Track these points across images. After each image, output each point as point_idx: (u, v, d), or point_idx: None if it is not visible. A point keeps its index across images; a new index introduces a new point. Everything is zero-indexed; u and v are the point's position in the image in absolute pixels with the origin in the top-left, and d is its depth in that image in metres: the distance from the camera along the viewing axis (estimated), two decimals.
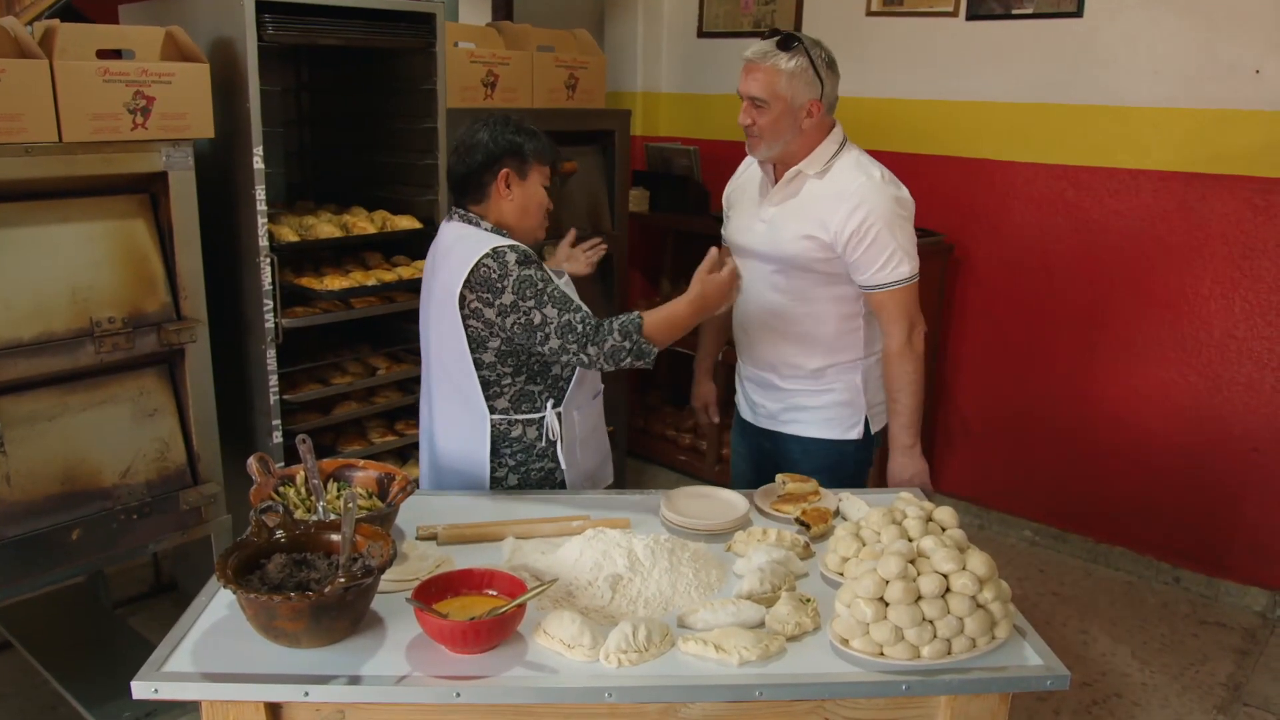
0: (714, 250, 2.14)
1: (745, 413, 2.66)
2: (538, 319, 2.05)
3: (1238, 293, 3.43)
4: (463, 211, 2.19)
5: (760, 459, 2.62)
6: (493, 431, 2.18)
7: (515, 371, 2.14)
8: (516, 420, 2.19)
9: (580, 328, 2.04)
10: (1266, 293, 3.37)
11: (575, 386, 2.22)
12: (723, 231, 2.64)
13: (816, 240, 2.30)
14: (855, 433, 2.48)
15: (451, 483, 2.26)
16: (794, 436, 2.51)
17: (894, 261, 2.28)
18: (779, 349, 2.47)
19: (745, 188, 2.54)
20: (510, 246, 2.07)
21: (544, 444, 2.21)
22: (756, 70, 2.28)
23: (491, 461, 2.20)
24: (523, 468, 2.22)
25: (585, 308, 2.10)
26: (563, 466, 2.23)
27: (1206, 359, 3.53)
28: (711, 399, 2.85)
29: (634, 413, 4.76)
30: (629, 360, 2.07)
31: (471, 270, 2.05)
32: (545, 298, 2.05)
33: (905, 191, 2.35)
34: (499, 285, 2.04)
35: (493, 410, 2.17)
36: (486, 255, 2.05)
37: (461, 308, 2.08)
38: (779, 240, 2.37)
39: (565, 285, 2.22)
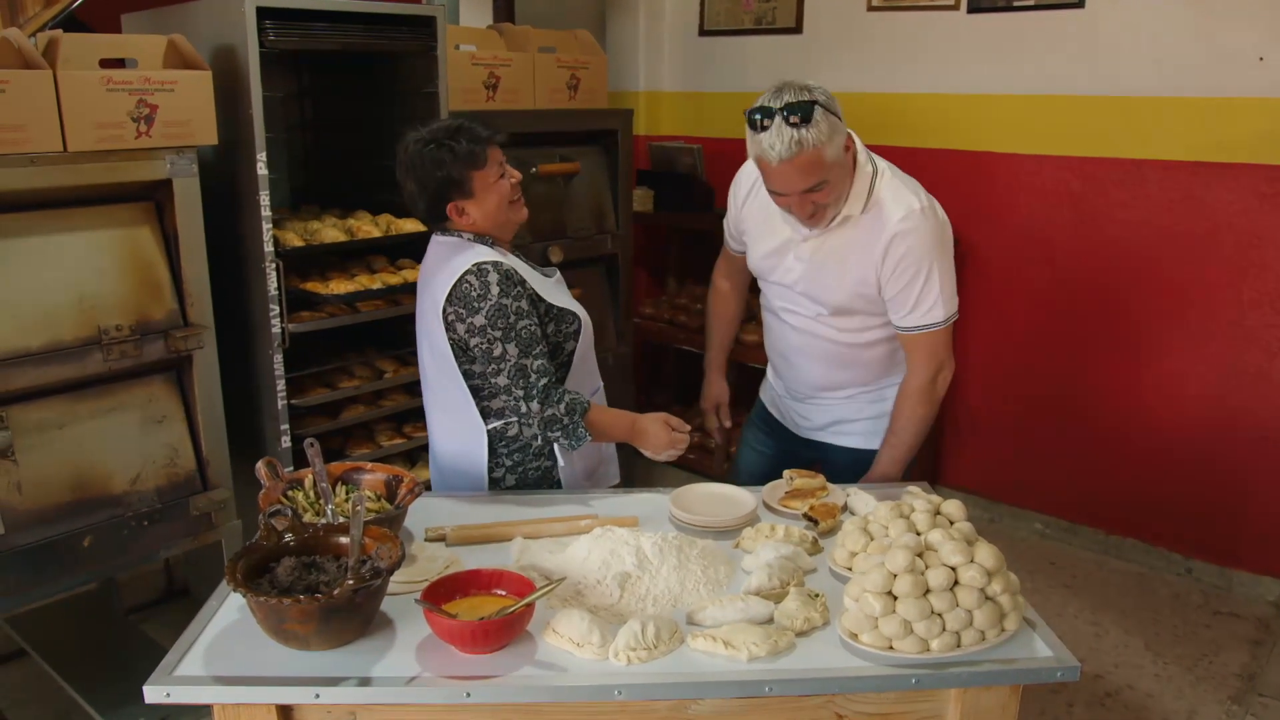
0: (683, 430, 2.20)
1: (788, 423, 2.56)
2: (498, 351, 2.06)
3: (1245, 281, 3.42)
4: (444, 228, 2.19)
5: (791, 463, 2.43)
6: (489, 434, 2.19)
7: None
8: (511, 421, 2.19)
9: (533, 378, 2.07)
10: (1274, 281, 3.36)
11: (570, 382, 2.22)
12: (732, 247, 2.53)
13: (868, 284, 2.18)
14: None
15: (456, 484, 2.27)
16: (843, 448, 2.44)
17: (927, 303, 2.16)
18: (828, 375, 2.38)
19: (766, 214, 2.29)
20: (494, 265, 2.06)
21: (540, 442, 2.21)
22: (793, 163, 1.99)
23: (489, 462, 2.20)
24: (520, 467, 2.22)
25: (546, 360, 2.09)
26: (560, 464, 2.23)
27: (1215, 348, 3.52)
28: (724, 399, 2.66)
29: (641, 411, 4.76)
30: (557, 434, 2.11)
31: (454, 285, 2.06)
32: (513, 333, 2.06)
33: (944, 213, 2.20)
34: (476, 305, 2.05)
35: (486, 414, 2.18)
36: (470, 271, 2.05)
37: (442, 320, 2.09)
38: (823, 286, 2.23)
39: (556, 284, 2.23)
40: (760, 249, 2.35)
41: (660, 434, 2.19)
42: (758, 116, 2.00)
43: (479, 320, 2.05)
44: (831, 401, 2.43)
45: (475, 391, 2.16)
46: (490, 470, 2.21)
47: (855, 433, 2.43)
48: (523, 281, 2.10)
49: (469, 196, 2.10)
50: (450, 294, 2.06)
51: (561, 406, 2.09)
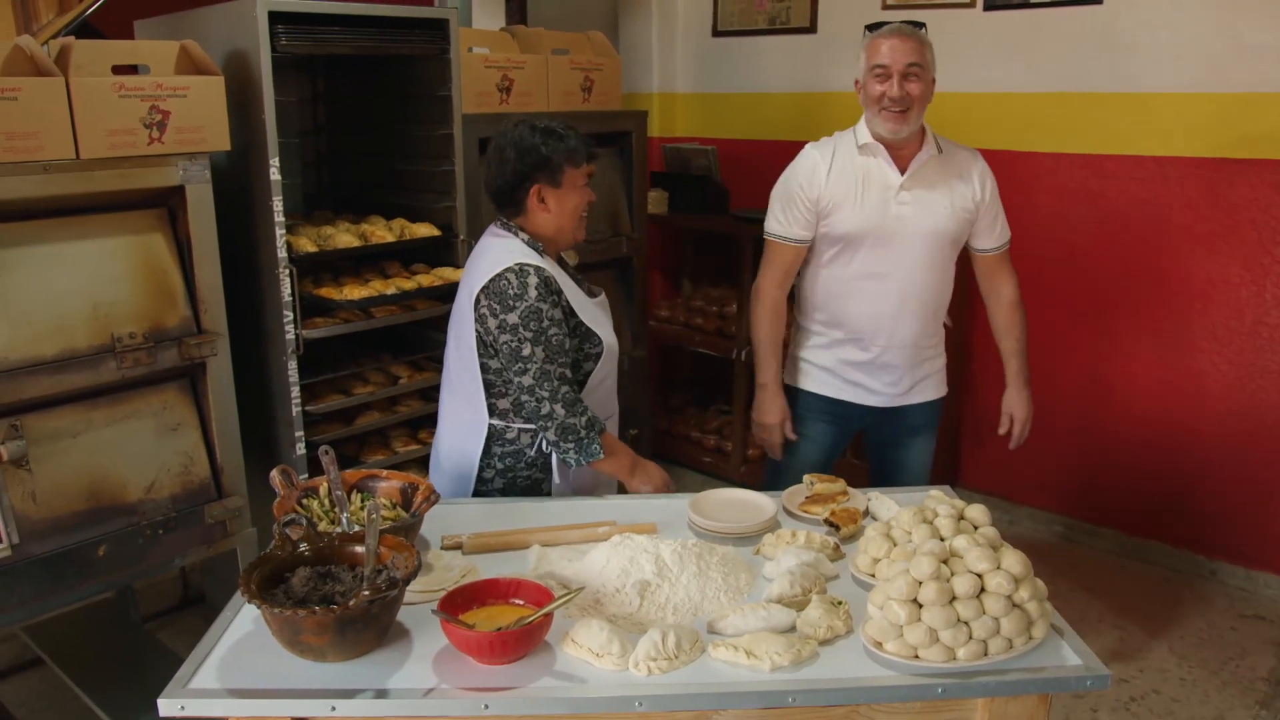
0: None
1: (862, 399, 2.63)
2: (526, 351, 2.06)
3: (1269, 279, 3.37)
4: (504, 221, 2.20)
5: (840, 442, 2.71)
6: (488, 431, 2.19)
7: None
8: (514, 425, 2.19)
9: (556, 383, 2.07)
10: None
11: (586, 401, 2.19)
12: (797, 237, 2.53)
13: (970, 209, 2.53)
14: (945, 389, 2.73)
15: (442, 478, 2.28)
16: (921, 404, 2.66)
17: (1004, 220, 2.61)
18: (926, 324, 2.58)
19: (846, 181, 2.46)
20: (536, 269, 2.07)
21: (534, 454, 2.20)
22: (908, 40, 2.37)
23: (481, 460, 2.20)
24: (510, 472, 2.21)
25: (569, 371, 2.11)
26: (554, 479, 2.22)
27: (1238, 348, 3.47)
28: (789, 415, 2.64)
29: (658, 415, 4.74)
30: (570, 446, 2.10)
31: (492, 279, 2.07)
32: (542, 338, 2.06)
33: None
34: (511, 303, 2.05)
35: (492, 410, 2.18)
36: (510, 269, 2.06)
37: (474, 310, 2.10)
38: (936, 216, 2.49)
39: (597, 306, 2.23)
40: (856, 213, 2.47)
41: (659, 472, 2.27)
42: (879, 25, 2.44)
43: (511, 318, 2.05)
44: (920, 358, 2.61)
45: (488, 386, 2.16)
46: (481, 469, 2.20)
47: (930, 386, 2.67)
48: (559, 291, 2.11)
49: (556, 186, 2.12)
50: (487, 287, 2.07)
51: (583, 419, 2.10)
